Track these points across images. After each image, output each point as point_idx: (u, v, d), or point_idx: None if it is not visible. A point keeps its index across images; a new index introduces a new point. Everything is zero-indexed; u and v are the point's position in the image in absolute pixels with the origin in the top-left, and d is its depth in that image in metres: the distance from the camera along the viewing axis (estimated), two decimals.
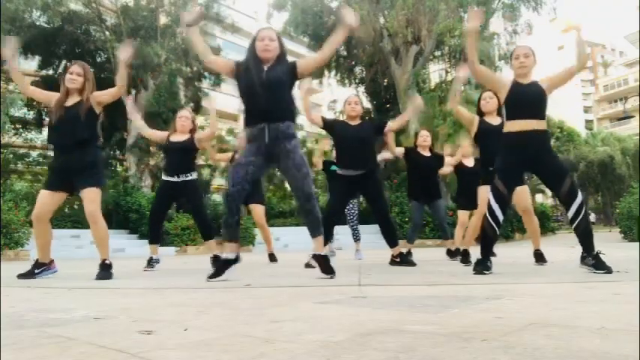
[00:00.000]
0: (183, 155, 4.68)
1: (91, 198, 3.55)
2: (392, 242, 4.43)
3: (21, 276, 3.58)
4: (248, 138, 3.11)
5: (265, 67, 3.09)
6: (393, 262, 4.44)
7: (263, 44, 3.08)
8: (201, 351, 1.13)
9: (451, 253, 5.48)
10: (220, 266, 3.09)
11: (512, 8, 16.92)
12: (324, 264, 3.09)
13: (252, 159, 3.06)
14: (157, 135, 4.99)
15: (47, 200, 3.60)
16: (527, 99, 3.23)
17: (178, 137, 4.73)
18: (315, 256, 3.14)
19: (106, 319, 1.64)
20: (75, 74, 3.62)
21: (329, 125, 4.54)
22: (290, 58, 3.24)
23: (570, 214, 3.09)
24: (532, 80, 3.33)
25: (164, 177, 4.75)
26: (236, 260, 3.12)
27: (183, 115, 4.81)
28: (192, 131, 4.81)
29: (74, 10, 16.24)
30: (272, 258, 5.86)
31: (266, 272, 4.01)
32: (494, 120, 4.22)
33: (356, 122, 4.45)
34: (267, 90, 3.01)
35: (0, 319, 1.63)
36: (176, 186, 4.63)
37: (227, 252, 3.12)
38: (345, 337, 1.24)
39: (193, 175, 4.71)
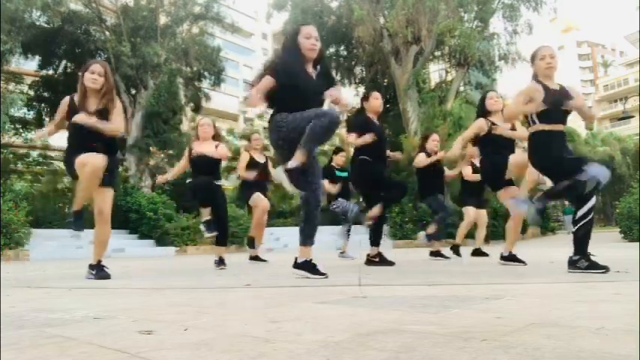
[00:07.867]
0: (211, 166, 4.79)
1: (107, 198, 3.59)
2: (373, 242, 4.54)
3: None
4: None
5: (313, 75, 3.00)
6: (369, 262, 4.47)
7: (310, 43, 2.93)
8: (201, 351, 1.13)
9: (455, 249, 5.72)
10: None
11: (512, 8, 16.93)
12: (311, 269, 3.04)
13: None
14: (183, 163, 5.01)
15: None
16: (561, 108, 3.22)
17: (203, 148, 4.76)
18: (301, 264, 3.06)
19: (106, 319, 1.64)
20: (97, 74, 3.48)
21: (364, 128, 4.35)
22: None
23: (580, 213, 3.06)
24: (558, 84, 3.31)
25: (198, 180, 4.77)
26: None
27: (205, 123, 4.89)
28: (215, 137, 4.88)
29: (74, 10, 16.24)
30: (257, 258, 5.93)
31: (266, 272, 4.01)
32: (500, 122, 4.16)
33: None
34: (312, 99, 2.94)
35: (0, 319, 1.63)
36: (212, 187, 4.76)
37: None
38: (345, 337, 1.24)
39: (220, 182, 4.93)
